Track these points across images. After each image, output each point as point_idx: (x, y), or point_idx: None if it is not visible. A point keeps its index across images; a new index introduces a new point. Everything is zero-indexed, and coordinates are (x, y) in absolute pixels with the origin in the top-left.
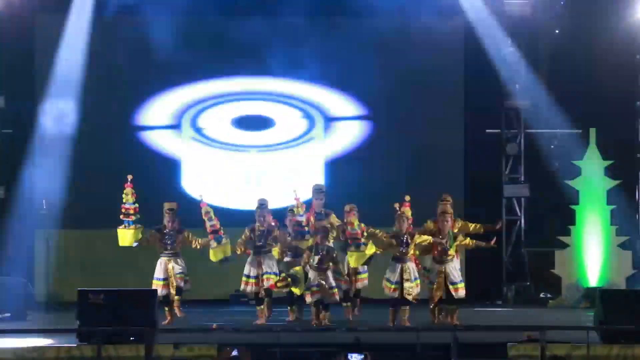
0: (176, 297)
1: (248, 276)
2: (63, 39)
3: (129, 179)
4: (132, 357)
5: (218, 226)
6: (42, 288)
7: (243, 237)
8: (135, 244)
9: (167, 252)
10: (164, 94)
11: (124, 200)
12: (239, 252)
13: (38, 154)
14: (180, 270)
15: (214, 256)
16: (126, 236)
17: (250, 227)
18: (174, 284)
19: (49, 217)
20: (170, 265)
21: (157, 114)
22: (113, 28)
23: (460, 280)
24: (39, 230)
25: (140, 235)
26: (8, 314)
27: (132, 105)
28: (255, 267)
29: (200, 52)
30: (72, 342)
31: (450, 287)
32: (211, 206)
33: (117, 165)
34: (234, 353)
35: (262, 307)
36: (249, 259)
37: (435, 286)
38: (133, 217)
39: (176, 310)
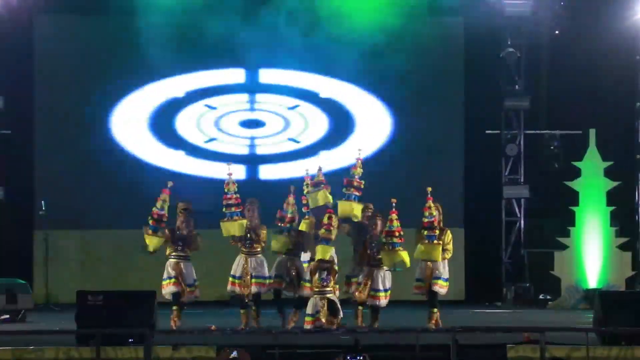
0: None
1: (234, 277)
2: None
3: (169, 186)
4: (131, 359)
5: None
6: (41, 289)
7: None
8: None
9: (176, 253)
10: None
11: (158, 206)
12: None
13: (37, 154)
14: (189, 273)
15: (150, 243)
16: (153, 242)
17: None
18: (185, 282)
19: (47, 218)
20: (179, 266)
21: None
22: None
23: (385, 289)
24: (37, 231)
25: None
26: (7, 315)
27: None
28: (241, 268)
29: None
30: (71, 344)
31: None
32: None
33: (116, 166)
34: (233, 354)
35: (245, 310)
36: (237, 259)
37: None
38: (164, 224)
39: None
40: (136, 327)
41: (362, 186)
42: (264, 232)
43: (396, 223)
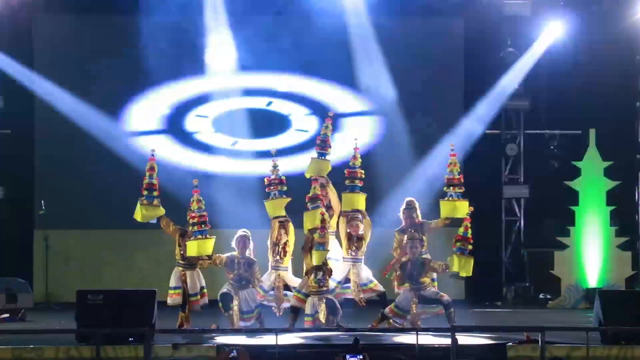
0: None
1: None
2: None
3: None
4: (131, 358)
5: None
6: (41, 288)
7: (221, 259)
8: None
9: (182, 262)
10: (163, 96)
11: (147, 176)
12: (211, 261)
13: (37, 154)
14: (195, 282)
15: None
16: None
17: (229, 256)
18: (189, 292)
19: (47, 217)
20: (184, 275)
21: (155, 117)
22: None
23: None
24: (37, 230)
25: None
26: (7, 315)
27: (131, 107)
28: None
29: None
30: (71, 343)
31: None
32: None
33: (115, 166)
34: (233, 354)
35: (231, 312)
36: (226, 286)
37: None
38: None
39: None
40: (136, 326)
41: (364, 176)
42: (257, 269)
43: (470, 231)
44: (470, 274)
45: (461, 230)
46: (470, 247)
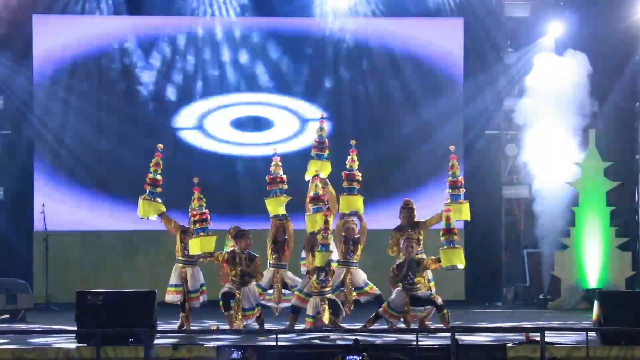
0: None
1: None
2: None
3: (159, 148)
4: (131, 358)
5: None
6: (41, 289)
7: (223, 256)
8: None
9: (183, 258)
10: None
11: (152, 171)
12: (214, 258)
13: (37, 154)
14: (195, 279)
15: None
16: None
17: (231, 252)
18: (189, 289)
19: (47, 218)
20: (185, 272)
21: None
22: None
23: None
24: (37, 231)
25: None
26: (7, 315)
27: (138, 108)
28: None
29: None
30: (71, 344)
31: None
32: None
33: (116, 166)
34: (234, 355)
35: (231, 312)
36: (228, 285)
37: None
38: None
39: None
40: (136, 327)
41: (360, 178)
42: (258, 264)
43: (452, 221)
44: (464, 263)
45: (443, 223)
46: (456, 237)
